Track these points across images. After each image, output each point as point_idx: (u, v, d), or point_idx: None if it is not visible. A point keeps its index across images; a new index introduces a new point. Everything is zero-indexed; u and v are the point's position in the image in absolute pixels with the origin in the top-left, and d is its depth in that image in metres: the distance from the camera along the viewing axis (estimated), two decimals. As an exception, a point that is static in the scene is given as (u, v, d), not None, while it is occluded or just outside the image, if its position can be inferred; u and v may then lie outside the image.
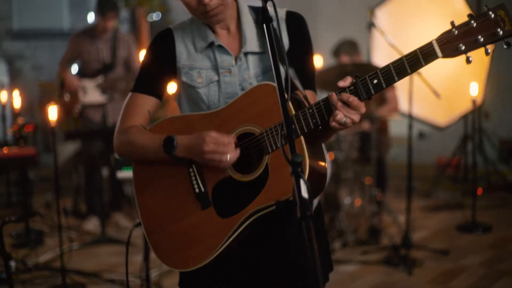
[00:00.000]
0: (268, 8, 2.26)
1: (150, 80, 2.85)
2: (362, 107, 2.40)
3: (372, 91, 2.38)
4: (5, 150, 6.21)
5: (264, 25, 2.23)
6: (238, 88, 2.74)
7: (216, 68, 2.77)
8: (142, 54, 7.50)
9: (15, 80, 11.90)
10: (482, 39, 2.27)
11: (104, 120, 7.25)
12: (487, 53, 2.29)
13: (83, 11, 11.86)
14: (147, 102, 2.83)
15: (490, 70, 9.72)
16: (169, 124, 2.81)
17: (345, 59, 7.44)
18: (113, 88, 7.37)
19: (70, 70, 7.59)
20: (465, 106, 9.38)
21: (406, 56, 2.31)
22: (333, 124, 2.40)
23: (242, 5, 2.79)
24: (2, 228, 4.28)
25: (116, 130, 2.85)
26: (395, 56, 2.47)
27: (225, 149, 2.55)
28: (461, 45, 2.27)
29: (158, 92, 2.85)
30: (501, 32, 2.25)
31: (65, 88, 7.50)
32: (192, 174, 2.69)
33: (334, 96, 2.40)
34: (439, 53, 2.29)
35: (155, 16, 10.71)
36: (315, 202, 2.84)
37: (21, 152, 6.19)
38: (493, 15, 2.26)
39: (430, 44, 2.30)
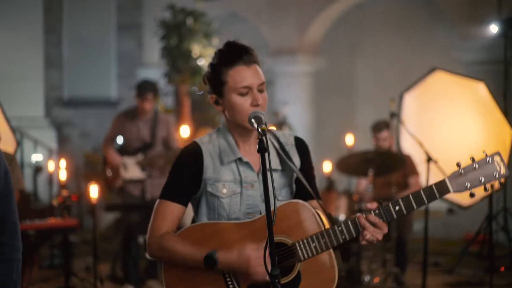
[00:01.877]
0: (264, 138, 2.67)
1: (179, 190, 3.15)
2: (385, 228, 2.90)
3: (394, 215, 2.91)
4: (51, 220, 6.66)
5: (260, 153, 2.65)
6: (259, 200, 3.13)
7: (240, 181, 3.13)
8: (182, 130, 7.98)
9: (63, 146, 12.33)
10: (483, 179, 2.88)
11: (143, 195, 7.71)
12: (485, 189, 2.89)
13: (130, 81, 12.23)
14: (177, 210, 3.14)
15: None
16: (197, 231, 3.12)
17: (385, 134, 7.78)
18: (152, 165, 7.83)
19: (113, 147, 8.00)
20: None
21: (423, 189, 2.88)
22: (364, 242, 2.90)
23: None
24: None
25: (151, 235, 3.13)
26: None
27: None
28: (467, 183, 2.88)
29: (185, 201, 3.17)
30: (497, 175, 2.87)
31: (108, 165, 7.91)
32: (227, 275, 3.03)
33: (362, 217, 2.90)
34: (451, 189, 2.88)
35: (198, 91, 11.10)
36: None
37: (64, 223, 6.67)
38: (490, 160, 2.88)
39: (443, 181, 2.88)
